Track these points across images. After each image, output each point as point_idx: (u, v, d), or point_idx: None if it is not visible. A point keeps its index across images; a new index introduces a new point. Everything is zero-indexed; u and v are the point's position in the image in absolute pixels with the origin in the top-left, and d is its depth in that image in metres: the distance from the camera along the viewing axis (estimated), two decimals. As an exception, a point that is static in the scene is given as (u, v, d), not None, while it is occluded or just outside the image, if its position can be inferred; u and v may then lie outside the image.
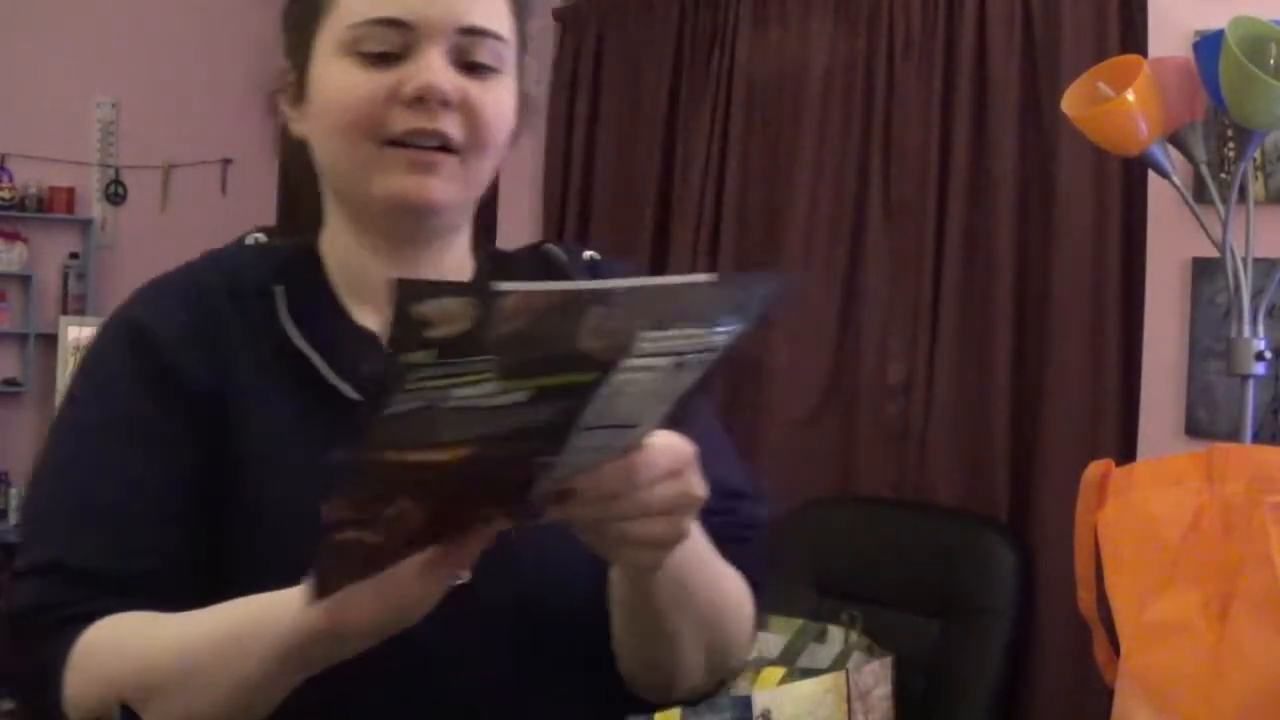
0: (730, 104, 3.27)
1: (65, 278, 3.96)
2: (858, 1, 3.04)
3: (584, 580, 0.88)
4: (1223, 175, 2.23)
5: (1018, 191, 2.77)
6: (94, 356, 0.93)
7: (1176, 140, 2.08)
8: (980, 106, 2.82)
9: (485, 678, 0.89)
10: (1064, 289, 2.68)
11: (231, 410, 0.88)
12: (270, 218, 4.49)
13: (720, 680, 0.96)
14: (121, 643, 0.82)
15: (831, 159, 3.07)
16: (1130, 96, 1.93)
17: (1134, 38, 2.55)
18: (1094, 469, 1.74)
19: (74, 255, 3.97)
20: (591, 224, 3.67)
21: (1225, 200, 2.02)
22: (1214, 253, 2.08)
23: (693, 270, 2.99)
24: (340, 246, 0.96)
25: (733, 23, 3.29)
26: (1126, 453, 2.47)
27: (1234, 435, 2.05)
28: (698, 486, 0.75)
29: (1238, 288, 2.01)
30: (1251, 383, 2.03)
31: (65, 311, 3.93)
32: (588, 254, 1.01)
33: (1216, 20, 1.91)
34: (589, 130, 3.68)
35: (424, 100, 0.87)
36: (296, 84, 0.94)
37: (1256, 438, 2.08)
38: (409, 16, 0.87)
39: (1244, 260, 2.01)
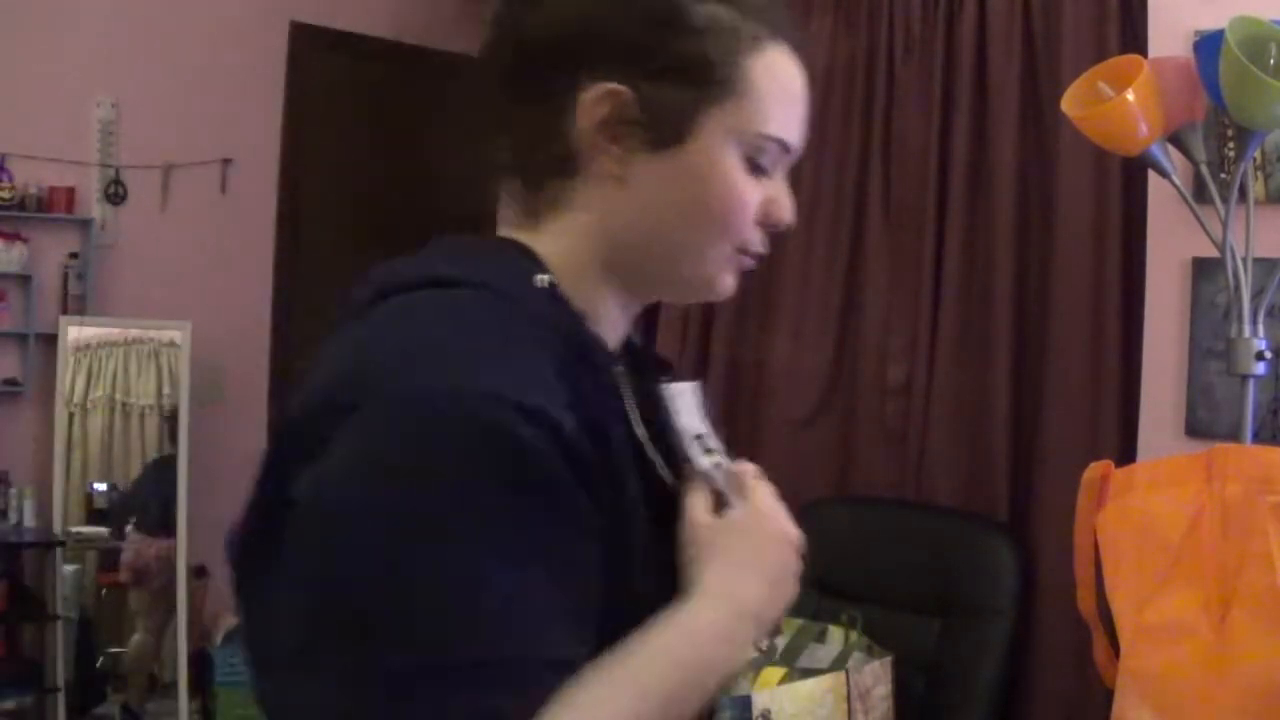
0: (730, 104, 3.27)
1: (65, 278, 3.95)
2: (858, 1, 3.04)
3: None
4: (1223, 175, 2.23)
5: (1018, 191, 2.76)
6: (493, 445, 0.73)
7: (1176, 140, 2.07)
8: (980, 107, 2.82)
9: None
10: (1064, 289, 2.68)
11: (617, 520, 0.81)
12: (270, 218, 4.54)
13: None
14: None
15: (831, 159, 3.07)
16: (1130, 96, 1.93)
17: (1134, 38, 2.55)
18: (1094, 469, 1.74)
19: (74, 255, 3.96)
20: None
21: (1225, 200, 2.02)
22: (1214, 253, 2.08)
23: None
24: (581, 290, 0.89)
25: (733, 23, 3.28)
26: (1126, 453, 2.47)
27: (1234, 435, 2.04)
28: None
29: (1238, 288, 2.01)
30: (1251, 383, 2.03)
31: (65, 311, 3.92)
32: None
33: (1216, 20, 1.91)
34: (589, 130, 3.67)
35: (777, 227, 0.93)
36: (654, 130, 0.87)
37: (1256, 438, 2.08)
38: (795, 145, 0.93)
39: (1244, 260, 2.01)
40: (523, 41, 0.90)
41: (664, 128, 0.87)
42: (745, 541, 0.89)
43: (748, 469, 0.95)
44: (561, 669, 0.74)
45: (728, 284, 0.93)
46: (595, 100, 0.86)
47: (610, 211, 0.89)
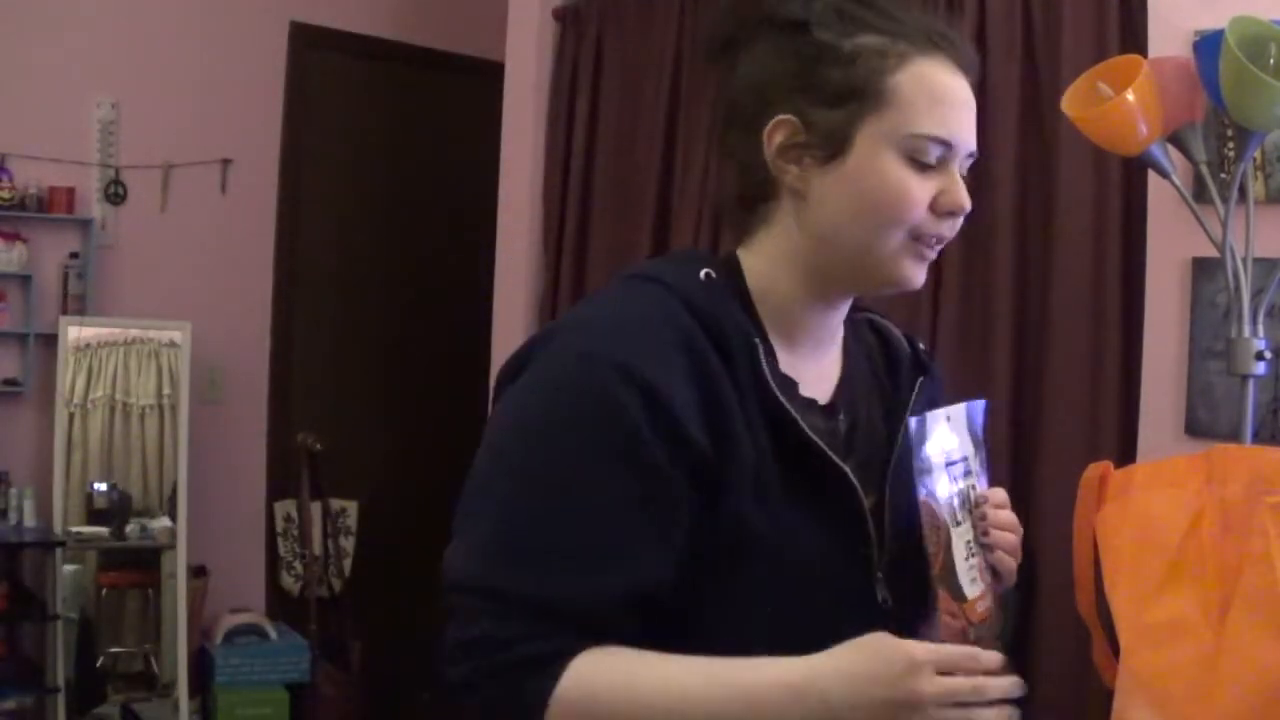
0: (730, 104, 3.26)
1: (65, 278, 3.95)
2: (858, 1, 3.04)
3: None
4: (1223, 175, 2.23)
5: (1017, 191, 2.76)
6: (590, 397, 0.98)
7: (1176, 140, 2.07)
8: (980, 107, 2.79)
9: None
10: (1064, 289, 2.67)
11: (725, 467, 1.00)
12: (270, 218, 4.52)
13: None
14: (614, 691, 0.94)
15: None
16: (1130, 96, 1.93)
17: (1134, 38, 2.55)
18: (1093, 470, 1.74)
19: (74, 255, 3.96)
20: (591, 224, 3.66)
21: (1225, 200, 2.02)
22: (1214, 253, 2.08)
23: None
24: (778, 290, 1.10)
25: (733, 23, 3.28)
26: (1126, 453, 2.47)
27: (1234, 435, 2.04)
28: None
29: (1238, 288, 2.01)
30: (1251, 383, 2.02)
31: (65, 311, 3.92)
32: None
33: (1216, 20, 1.91)
34: (589, 130, 3.67)
35: (954, 214, 1.06)
36: (820, 148, 1.05)
37: (1256, 438, 2.08)
38: (953, 139, 1.05)
39: (1244, 260, 2.01)
40: (730, 96, 1.11)
41: (827, 144, 1.04)
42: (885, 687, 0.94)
43: (991, 495, 1.20)
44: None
45: (910, 272, 1.07)
46: (772, 130, 1.06)
47: (801, 223, 1.07)
